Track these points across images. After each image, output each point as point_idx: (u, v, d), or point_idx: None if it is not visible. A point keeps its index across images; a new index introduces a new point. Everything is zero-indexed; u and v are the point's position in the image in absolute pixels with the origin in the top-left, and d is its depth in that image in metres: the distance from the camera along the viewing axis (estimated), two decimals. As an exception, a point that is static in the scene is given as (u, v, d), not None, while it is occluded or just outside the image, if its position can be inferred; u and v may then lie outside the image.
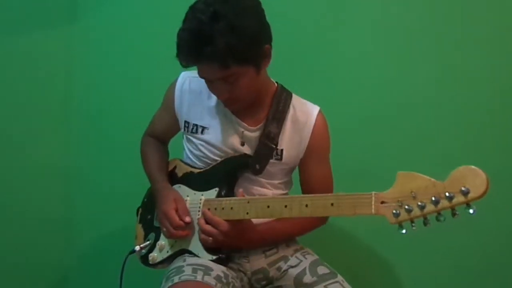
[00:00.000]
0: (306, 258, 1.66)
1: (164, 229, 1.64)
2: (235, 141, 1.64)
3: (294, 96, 1.69)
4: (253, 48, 1.45)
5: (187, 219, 1.60)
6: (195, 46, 1.39)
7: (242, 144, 1.64)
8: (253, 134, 1.63)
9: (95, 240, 2.47)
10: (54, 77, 2.40)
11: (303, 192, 1.72)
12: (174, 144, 1.88)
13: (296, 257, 1.67)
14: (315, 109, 1.67)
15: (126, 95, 2.36)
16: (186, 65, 1.46)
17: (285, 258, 1.67)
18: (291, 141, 1.64)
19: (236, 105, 1.57)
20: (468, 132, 2.00)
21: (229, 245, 1.58)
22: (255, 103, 1.62)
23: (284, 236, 1.69)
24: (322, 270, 1.60)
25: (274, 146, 1.62)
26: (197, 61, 1.43)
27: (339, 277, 1.58)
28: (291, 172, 1.73)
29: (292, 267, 1.64)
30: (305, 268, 1.62)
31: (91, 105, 2.44)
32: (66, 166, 2.45)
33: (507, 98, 1.97)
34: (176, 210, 1.61)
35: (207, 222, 1.54)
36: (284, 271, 1.65)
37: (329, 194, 1.38)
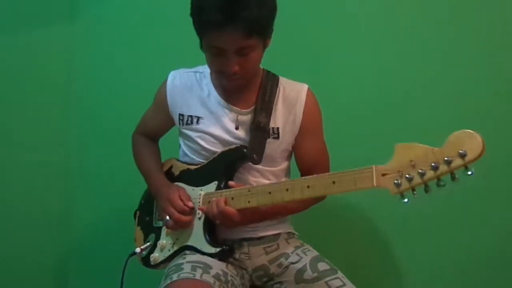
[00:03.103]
0: (306, 255, 1.66)
1: (168, 218, 1.64)
2: (229, 125, 1.66)
3: (281, 77, 1.73)
4: (271, 23, 1.53)
5: (190, 204, 1.62)
6: (232, 8, 1.41)
7: (237, 128, 1.66)
8: (246, 117, 1.66)
9: (95, 239, 2.46)
10: (54, 75, 2.41)
11: (301, 171, 1.74)
12: (168, 144, 1.89)
13: (296, 253, 1.67)
14: (304, 87, 1.71)
15: (126, 93, 2.37)
16: (206, 29, 1.47)
17: (285, 255, 1.67)
18: (285, 118, 1.67)
19: (239, 80, 1.59)
20: (467, 128, 2.00)
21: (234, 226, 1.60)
22: (248, 83, 1.65)
23: (284, 212, 1.69)
24: (322, 266, 1.60)
25: (266, 135, 1.64)
26: (227, 24, 1.42)
27: (340, 273, 1.58)
28: (289, 155, 1.74)
29: (292, 263, 1.64)
30: (305, 265, 1.62)
31: (91, 103, 2.45)
32: (67, 164, 2.45)
33: (508, 95, 1.99)
34: (180, 198, 1.63)
35: (219, 212, 1.54)
36: (284, 267, 1.65)
37: (330, 173, 1.39)
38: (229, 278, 1.57)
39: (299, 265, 1.63)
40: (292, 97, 1.68)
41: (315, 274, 1.57)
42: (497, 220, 1.96)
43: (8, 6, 2.22)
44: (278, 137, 1.66)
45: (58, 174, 2.44)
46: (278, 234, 1.71)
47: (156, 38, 2.29)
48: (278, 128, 1.66)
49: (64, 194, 2.46)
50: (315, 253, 1.68)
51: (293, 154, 1.75)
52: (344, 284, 1.54)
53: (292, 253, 1.67)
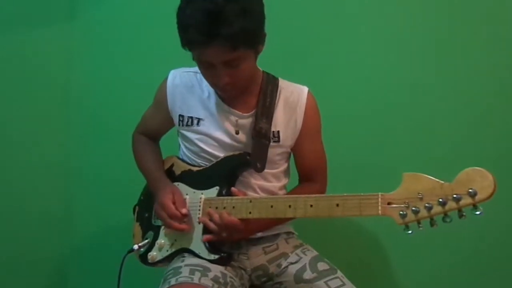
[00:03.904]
0: (306, 255, 1.66)
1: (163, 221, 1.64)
2: (230, 129, 1.65)
3: (280, 79, 1.71)
4: (259, 33, 1.50)
5: (184, 210, 1.60)
6: (211, 26, 1.39)
7: (237, 133, 1.65)
8: (246, 121, 1.65)
9: (95, 238, 2.47)
10: (54, 75, 2.41)
11: (300, 174, 1.74)
12: (169, 141, 1.88)
13: (296, 253, 1.67)
14: (304, 89, 1.70)
15: (125, 93, 2.38)
16: (191, 47, 1.48)
17: (285, 255, 1.67)
18: (286, 121, 1.66)
19: (233, 91, 1.58)
20: (467, 130, 2.02)
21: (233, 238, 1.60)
22: (245, 90, 1.64)
23: (280, 221, 1.69)
24: (322, 266, 1.60)
25: (268, 141, 1.63)
26: (209, 42, 1.41)
27: (339, 273, 1.58)
28: (288, 157, 1.74)
29: (292, 263, 1.64)
30: (305, 264, 1.62)
31: (91, 103, 2.45)
32: (66, 164, 2.45)
33: (507, 95, 1.98)
34: (174, 202, 1.62)
35: (221, 221, 1.53)
36: (284, 267, 1.65)
37: (334, 195, 1.37)
38: (228, 279, 1.56)
39: (298, 265, 1.62)
40: (292, 100, 1.67)
41: (315, 274, 1.57)
42: (497, 220, 1.94)
43: (8, 6, 2.21)
44: (278, 141, 1.66)
45: (58, 174, 2.44)
46: (277, 234, 1.71)
47: (156, 38, 2.28)
48: (278, 132, 1.66)
49: (64, 194, 2.46)
50: (315, 252, 1.68)
51: (292, 156, 1.75)
52: (344, 284, 1.54)
53: (291, 253, 1.68)
